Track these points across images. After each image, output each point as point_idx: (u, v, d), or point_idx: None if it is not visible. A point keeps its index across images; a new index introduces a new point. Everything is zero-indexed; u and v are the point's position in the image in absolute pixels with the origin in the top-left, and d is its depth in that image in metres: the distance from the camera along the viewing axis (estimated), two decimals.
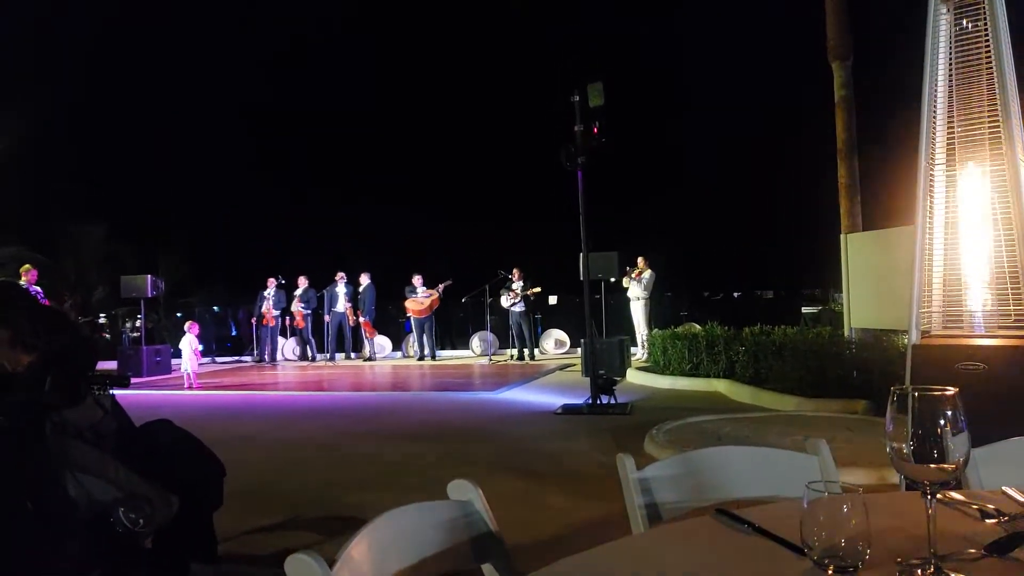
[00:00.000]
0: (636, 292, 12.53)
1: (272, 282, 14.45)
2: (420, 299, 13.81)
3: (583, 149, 7.66)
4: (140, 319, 13.01)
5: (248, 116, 34.80)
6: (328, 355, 14.54)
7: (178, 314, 19.24)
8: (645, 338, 12.15)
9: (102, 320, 18.94)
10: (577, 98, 7.69)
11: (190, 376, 10.63)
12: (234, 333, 17.89)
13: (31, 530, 1.60)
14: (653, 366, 10.45)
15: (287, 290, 14.72)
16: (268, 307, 14.28)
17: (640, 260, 12.59)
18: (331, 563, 1.05)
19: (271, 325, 14.43)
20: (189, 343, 10.66)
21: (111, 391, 1.92)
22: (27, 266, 10.48)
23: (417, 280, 13.95)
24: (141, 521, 1.68)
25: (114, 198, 26.96)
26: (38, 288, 10.26)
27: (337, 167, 37.23)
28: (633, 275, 12.51)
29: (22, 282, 10.07)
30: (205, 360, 15.18)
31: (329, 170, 37.01)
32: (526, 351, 13.63)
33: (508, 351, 14.05)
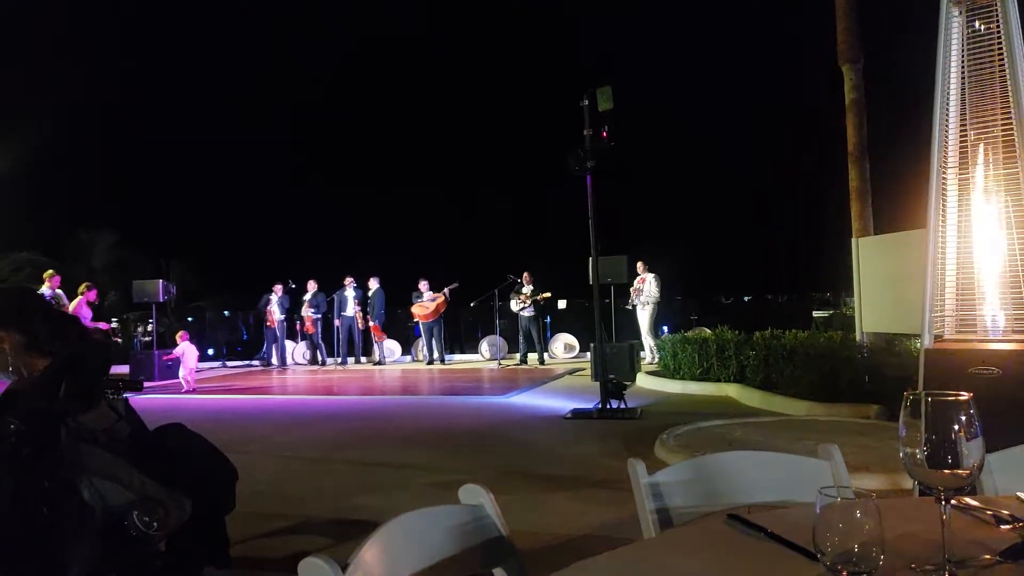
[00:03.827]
0: (642, 299, 12.46)
1: (278, 288, 14.50)
2: (425, 303, 13.82)
3: (592, 153, 7.65)
4: (152, 323, 13.09)
5: (259, 124, 35.04)
6: (340, 359, 14.57)
7: (189, 318, 19.37)
8: (652, 345, 12.10)
9: (114, 324, 19.06)
10: (586, 102, 7.68)
11: (188, 380, 10.87)
12: (244, 337, 17.97)
13: (47, 535, 1.62)
14: (663, 370, 10.42)
15: (297, 294, 14.78)
16: (271, 309, 14.35)
17: (639, 265, 12.49)
18: (344, 567, 1.05)
19: (272, 327, 14.51)
20: (186, 350, 10.93)
21: (124, 395, 1.94)
22: (50, 271, 10.58)
23: (423, 285, 13.94)
24: (155, 524, 1.69)
25: (126, 204, 27.21)
26: (60, 292, 10.36)
27: (346, 172, 37.41)
28: (632, 291, 12.46)
29: (45, 287, 10.18)
30: (216, 364, 15.27)
31: (338, 175, 37.19)
32: (532, 355, 13.61)
33: (517, 355, 14.05)
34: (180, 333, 11.22)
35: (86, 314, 10.77)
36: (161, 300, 12.83)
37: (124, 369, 12.37)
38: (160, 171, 30.93)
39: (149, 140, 31.38)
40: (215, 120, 33.19)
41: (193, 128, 32.24)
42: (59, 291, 10.31)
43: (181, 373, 10.90)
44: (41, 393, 1.70)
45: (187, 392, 10.64)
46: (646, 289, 12.36)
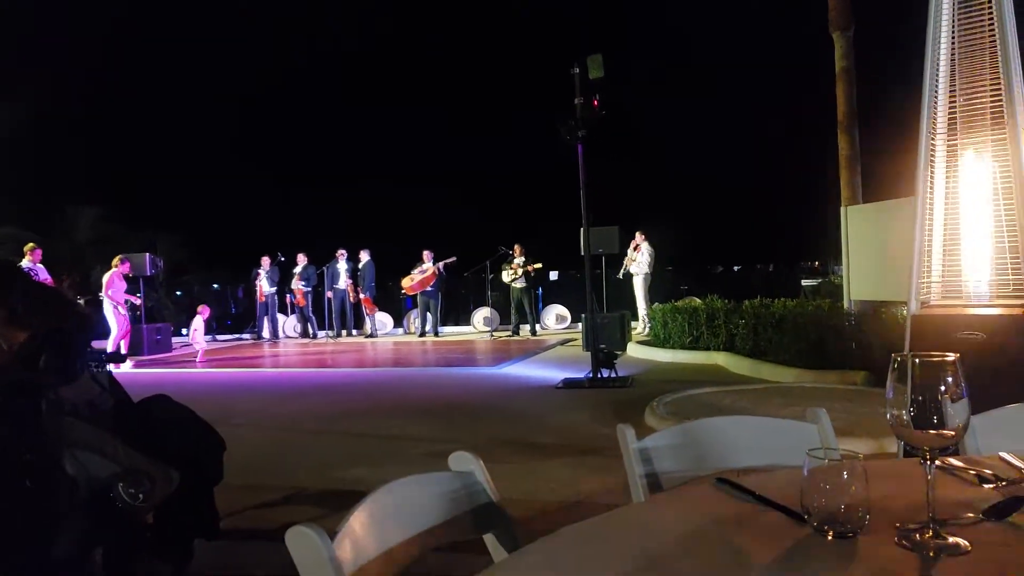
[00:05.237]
0: (635, 268, 12.55)
1: (266, 261, 14.42)
2: (413, 275, 13.76)
3: (583, 122, 7.59)
4: (140, 297, 13.00)
5: (247, 96, 34.57)
6: (334, 332, 14.55)
7: (177, 292, 19.24)
8: (645, 313, 12.17)
9: (102, 297, 18.92)
10: (577, 70, 7.60)
11: (200, 353, 11.17)
12: (234, 311, 17.90)
13: (31, 509, 1.61)
14: (654, 340, 10.48)
15: (287, 268, 14.70)
16: (260, 284, 14.33)
17: (638, 234, 12.56)
18: (333, 535, 1.05)
19: (262, 301, 14.50)
20: (199, 326, 11.27)
21: (108, 368, 1.93)
22: (31, 244, 10.47)
23: (427, 255, 13.82)
24: (141, 496, 1.69)
25: (111, 177, 26.90)
26: (42, 266, 10.27)
27: (336, 144, 37.06)
28: (627, 259, 12.53)
29: (26, 260, 10.08)
30: (206, 338, 15.23)
31: (327, 147, 36.84)
32: (524, 327, 13.64)
33: (510, 327, 14.08)
34: (201, 307, 11.72)
35: (120, 287, 10.74)
36: (148, 274, 12.72)
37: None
38: (148, 149, 30.55)
39: (137, 114, 30.93)
40: (203, 103, 32.79)
41: (182, 110, 31.80)
42: (40, 265, 10.21)
43: (199, 344, 11.30)
44: (21, 366, 1.68)
45: (198, 362, 10.93)
46: (639, 258, 12.43)
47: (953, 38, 3.68)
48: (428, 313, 14.04)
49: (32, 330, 1.78)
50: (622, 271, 12.72)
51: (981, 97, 3.61)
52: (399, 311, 15.50)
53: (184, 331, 14.55)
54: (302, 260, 14.56)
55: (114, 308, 10.61)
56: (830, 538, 1.00)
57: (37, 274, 9.49)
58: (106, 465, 1.71)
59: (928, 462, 1.00)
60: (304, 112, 38.38)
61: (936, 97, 3.72)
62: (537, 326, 13.83)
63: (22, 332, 1.79)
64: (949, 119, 3.73)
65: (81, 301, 11.17)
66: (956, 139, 3.72)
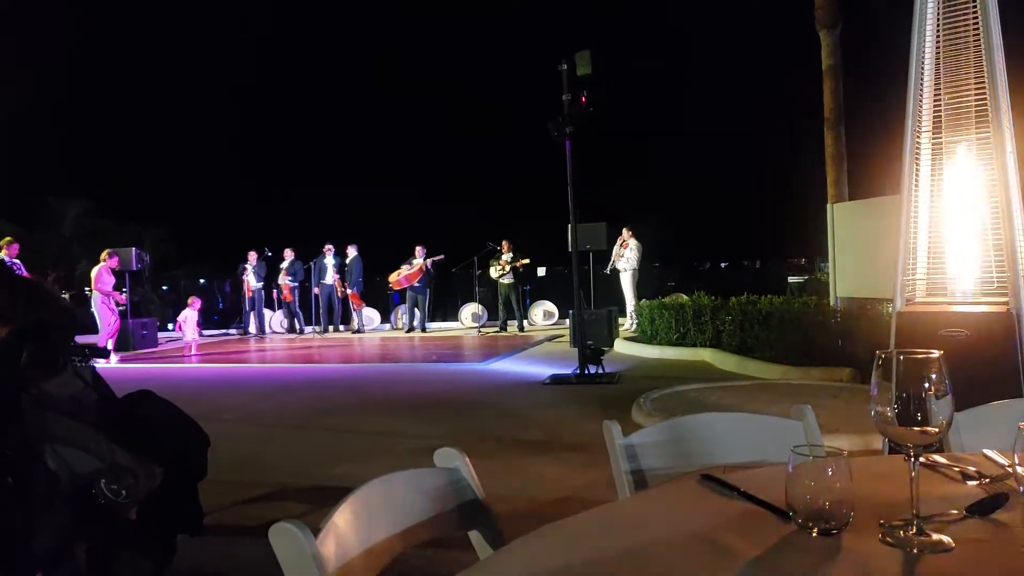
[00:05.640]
0: (622, 264, 12.57)
1: (253, 256, 14.35)
2: (401, 270, 13.72)
3: (571, 119, 7.58)
4: (125, 292, 12.90)
5: (238, 91, 34.33)
6: (321, 327, 14.49)
7: (164, 287, 19.10)
8: (632, 309, 12.20)
9: (88, 292, 18.75)
10: (565, 67, 7.59)
11: (191, 345, 11.36)
12: (221, 306, 17.79)
13: (12, 504, 1.59)
14: (641, 336, 10.50)
15: (273, 263, 14.62)
16: (247, 279, 14.27)
17: (625, 231, 12.57)
18: (316, 532, 1.04)
19: (248, 296, 14.44)
20: (190, 317, 11.43)
21: (91, 362, 1.91)
22: (8, 238, 10.36)
23: (419, 251, 13.76)
24: (123, 492, 1.68)
25: (97, 172, 26.64)
26: (17, 261, 10.15)
27: (323, 140, 36.87)
28: (614, 255, 12.54)
29: (3, 254, 9.97)
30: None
31: (315, 144, 36.64)
32: (512, 322, 13.63)
33: (497, 323, 14.06)
34: (192, 298, 11.82)
35: (108, 281, 10.63)
36: (135, 268, 12.61)
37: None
38: (137, 144, 30.26)
39: (124, 107, 30.62)
40: (193, 99, 32.50)
41: (171, 106, 31.51)
42: (17, 259, 10.09)
43: (190, 336, 11.53)
44: (2, 361, 1.66)
45: (187, 355, 10.98)
46: (626, 255, 12.45)
47: (938, 36, 3.70)
48: (416, 309, 14.00)
49: (14, 324, 1.76)
50: (609, 267, 12.75)
51: (966, 95, 3.63)
52: (387, 307, 15.45)
53: (170, 325, 14.47)
54: (289, 255, 14.47)
55: (103, 302, 10.50)
56: (814, 535, 1.00)
57: (20, 268, 9.39)
58: (88, 461, 1.69)
59: (912, 459, 1.01)
60: (298, 111, 38.19)
61: (921, 95, 3.75)
62: (525, 322, 13.82)
63: (3, 326, 1.77)
64: (934, 117, 3.75)
65: (66, 296, 11.06)
66: (941, 137, 3.74)
